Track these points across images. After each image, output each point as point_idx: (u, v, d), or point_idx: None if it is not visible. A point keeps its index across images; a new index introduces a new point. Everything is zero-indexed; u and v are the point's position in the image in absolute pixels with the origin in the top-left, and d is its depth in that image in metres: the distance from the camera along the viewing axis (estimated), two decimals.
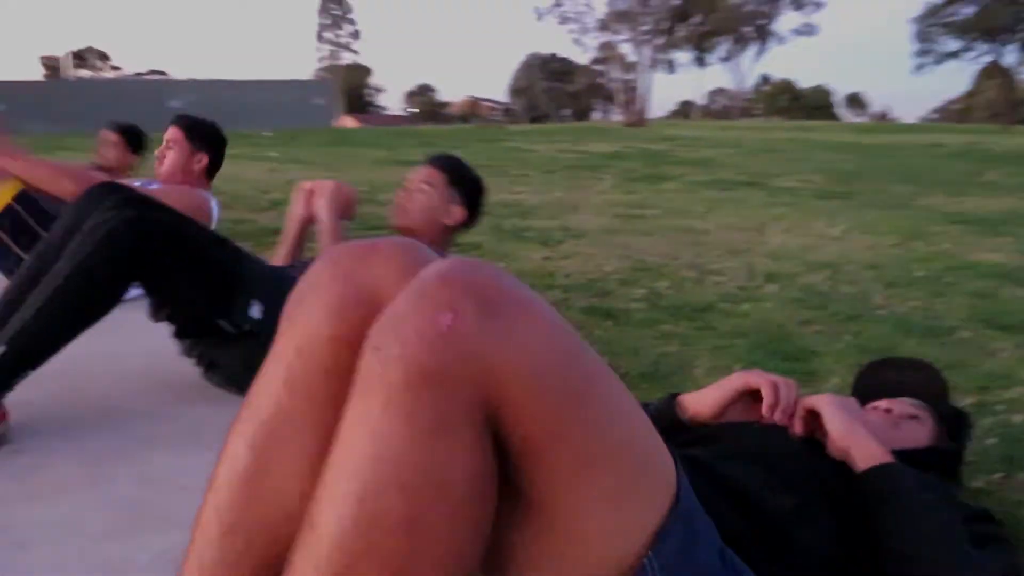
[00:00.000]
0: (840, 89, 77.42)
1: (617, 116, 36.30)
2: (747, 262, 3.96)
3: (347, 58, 58.40)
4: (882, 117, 56.10)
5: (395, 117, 54.14)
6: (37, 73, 46.57)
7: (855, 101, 62.80)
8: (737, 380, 1.28)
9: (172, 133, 2.84)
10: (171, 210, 1.95)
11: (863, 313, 3.02)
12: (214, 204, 2.84)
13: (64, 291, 1.74)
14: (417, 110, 60.45)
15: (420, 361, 0.64)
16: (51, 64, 45.40)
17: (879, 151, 12.77)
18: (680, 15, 38.35)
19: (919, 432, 1.36)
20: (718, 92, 57.90)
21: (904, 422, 1.37)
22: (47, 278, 1.77)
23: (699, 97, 59.65)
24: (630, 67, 35.22)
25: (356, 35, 58.32)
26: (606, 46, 37.96)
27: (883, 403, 1.41)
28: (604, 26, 36.34)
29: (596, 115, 53.42)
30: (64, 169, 2.65)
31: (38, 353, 1.75)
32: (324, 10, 57.04)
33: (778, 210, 5.92)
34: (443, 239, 2.21)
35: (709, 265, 3.88)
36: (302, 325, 0.78)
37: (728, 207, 6.07)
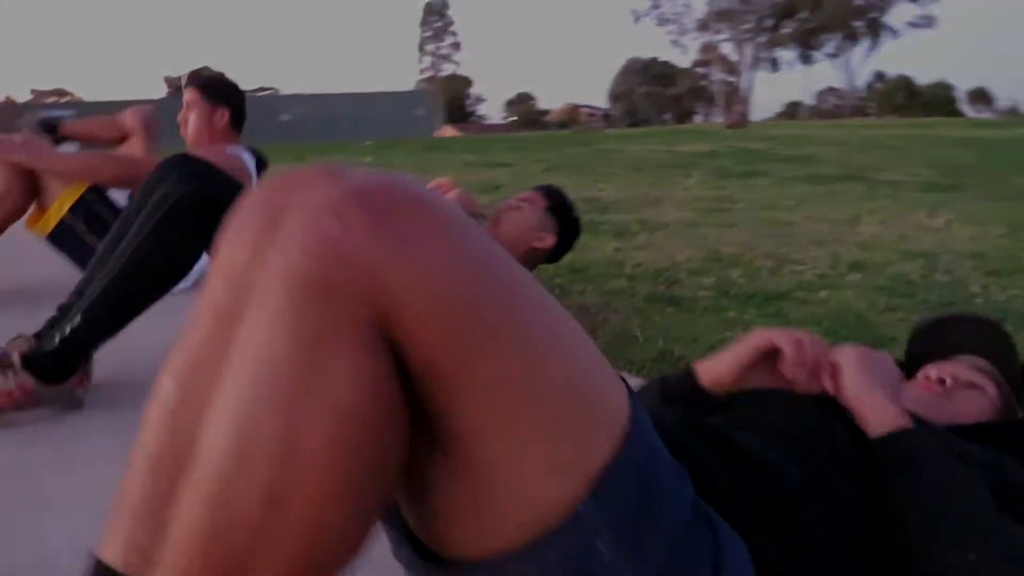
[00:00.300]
0: (963, 84, 72.93)
1: (719, 119, 35.43)
2: (832, 252, 3.72)
3: (448, 69, 59.63)
4: (1011, 112, 52.50)
5: (494, 126, 54.83)
6: (161, 91, 49.61)
7: (980, 96, 59.05)
8: (755, 338, 1.12)
9: (189, 95, 2.84)
10: (232, 181, 1.94)
11: (955, 301, 2.78)
12: (247, 157, 2.80)
13: (130, 264, 1.79)
14: (516, 118, 60.96)
15: (302, 272, 0.59)
16: (173, 83, 48.36)
17: (1001, 145, 11.89)
18: (785, 11, 37.12)
19: (978, 403, 1.17)
20: (828, 92, 55.66)
21: (959, 392, 1.17)
22: (116, 252, 1.82)
23: (808, 97, 57.46)
24: (732, 67, 34.35)
25: (457, 46, 59.44)
26: (707, 47, 37.17)
27: (934, 370, 1.21)
28: (704, 26, 35.63)
29: (698, 118, 52.37)
30: (100, 157, 2.71)
31: (112, 322, 1.81)
32: (426, 23, 58.43)
33: (876, 203, 5.57)
34: (527, 261, 2.19)
35: (790, 255, 3.66)
36: (227, 254, 0.74)
37: (821, 200, 5.74)
